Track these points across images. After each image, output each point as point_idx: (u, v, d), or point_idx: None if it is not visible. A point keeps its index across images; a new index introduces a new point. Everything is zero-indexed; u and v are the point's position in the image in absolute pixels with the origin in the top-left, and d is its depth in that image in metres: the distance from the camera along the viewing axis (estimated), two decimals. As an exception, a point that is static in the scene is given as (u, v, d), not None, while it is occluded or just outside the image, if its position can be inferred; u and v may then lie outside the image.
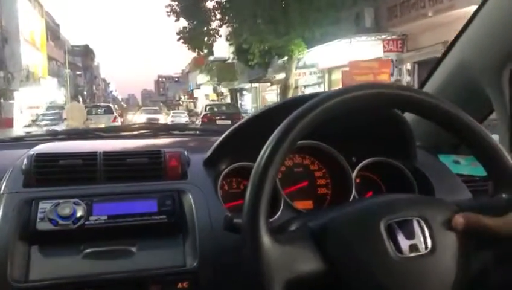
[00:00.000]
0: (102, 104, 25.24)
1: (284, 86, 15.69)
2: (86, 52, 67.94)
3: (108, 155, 0.99)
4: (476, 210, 0.68)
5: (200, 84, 39.53)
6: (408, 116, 1.07)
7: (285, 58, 15.47)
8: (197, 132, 1.72)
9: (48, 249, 0.85)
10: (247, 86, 27.41)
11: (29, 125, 17.40)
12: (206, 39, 18.58)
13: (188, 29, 18.53)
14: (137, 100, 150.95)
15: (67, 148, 1.12)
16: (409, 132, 1.04)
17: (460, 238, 0.66)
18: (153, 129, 1.65)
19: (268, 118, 0.88)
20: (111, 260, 0.85)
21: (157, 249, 0.88)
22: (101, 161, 0.97)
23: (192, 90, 49.62)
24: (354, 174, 1.05)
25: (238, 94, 30.50)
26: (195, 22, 17.96)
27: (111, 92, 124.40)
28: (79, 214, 0.86)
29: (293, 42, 14.06)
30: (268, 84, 24.18)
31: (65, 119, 14.18)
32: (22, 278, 0.80)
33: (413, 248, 0.63)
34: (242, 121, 1.04)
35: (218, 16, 17.46)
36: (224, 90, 33.16)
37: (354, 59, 12.80)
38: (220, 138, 1.03)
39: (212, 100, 33.09)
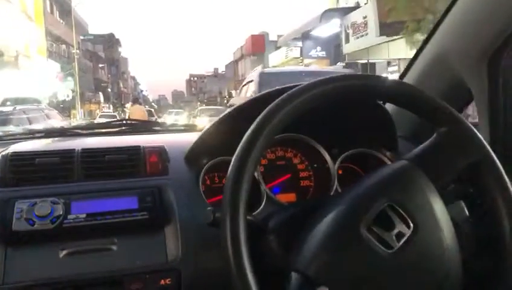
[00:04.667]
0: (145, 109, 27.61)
1: None
2: (111, 42, 56.70)
3: (86, 152, 0.97)
4: (430, 155, 0.70)
5: (273, 66, 26.03)
6: (389, 106, 1.03)
7: None
8: (177, 127, 1.64)
9: (26, 250, 0.83)
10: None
11: None
12: None
13: None
14: (167, 101, 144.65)
15: (44, 147, 1.10)
16: (390, 122, 1.03)
17: (434, 203, 0.66)
18: (132, 126, 1.56)
19: (250, 110, 0.86)
20: (91, 259, 0.83)
21: (138, 246, 0.87)
22: (79, 158, 0.96)
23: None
24: (336, 166, 1.06)
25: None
26: None
27: (141, 91, 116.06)
28: (57, 213, 0.85)
29: None
30: None
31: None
32: None
33: (399, 235, 0.62)
34: (223, 114, 1.00)
35: None
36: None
37: None
38: (201, 133, 1.03)
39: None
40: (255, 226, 0.67)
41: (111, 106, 44.90)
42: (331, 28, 16.36)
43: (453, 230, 0.65)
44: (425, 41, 1.17)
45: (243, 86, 9.10)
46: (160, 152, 1.00)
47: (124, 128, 1.49)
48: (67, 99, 25.12)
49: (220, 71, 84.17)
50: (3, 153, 0.95)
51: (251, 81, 8.07)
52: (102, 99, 41.94)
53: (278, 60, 24.60)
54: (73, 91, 26.28)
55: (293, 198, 1.05)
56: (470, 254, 0.70)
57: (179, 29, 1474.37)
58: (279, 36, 34.08)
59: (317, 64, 20.80)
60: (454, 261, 0.64)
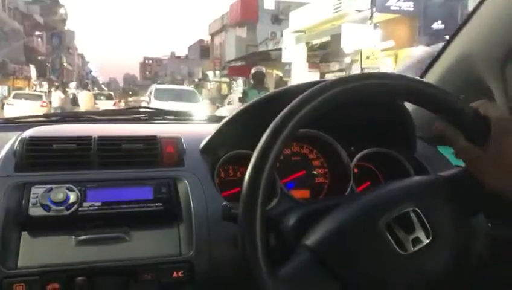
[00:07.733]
0: (104, 92, 29.70)
1: None
2: (52, 7, 46.29)
3: (103, 140, 0.97)
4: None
5: (298, 31, 16.87)
6: (408, 105, 1.01)
7: None
8: (194, 118, 1.59)
9: (40, 236, 0.83)
10: None
11: None
12: None
13: None
14: (118, 84, 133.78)
15: (61, 132, 1.08)
16: (409, 122, 1.04)
17: (457, 220, 0.68)
18: (148, 114, 1.52)
19: (268, 105, 0.88)
20: (104, 247, 0.84)
21: (152, 237, 0.87)
22: (96, 145, 0.95)
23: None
24: (352, 164, 1.05)
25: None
26: None
27: (90, 72, 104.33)
28: (72, 200, 0.85)
29: None
30: None
31: None
32: (12, 264, 0.78)
33: (416, 241, 0.64)
34: (241, 108, 1.02)
35: None
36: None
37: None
38: (219, 125, 1.02)
39: (368, 66, 12.29)
40: (270, 222, 0.69)
41: (46, 83, 34.92)
42: None
43: (468, 249, 0.68)
44: (449, 41, 1.17)
45: None
46: (177, 143, 0.99)
47: (139, 116, 1.48)
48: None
49: (176, 54, 76.84)
50: (21, 137, 0.94)
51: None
52: (34, 74, 32.25)
53: (313, 19, 15.44)
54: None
55: (307, 195, 1.06)
56: (486, 265, 0.72)
57: (134, 10, 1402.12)
58: (278, 2, 25.90)
59: (392, 25, 12.87)
60: (461, 280, 0.66)
